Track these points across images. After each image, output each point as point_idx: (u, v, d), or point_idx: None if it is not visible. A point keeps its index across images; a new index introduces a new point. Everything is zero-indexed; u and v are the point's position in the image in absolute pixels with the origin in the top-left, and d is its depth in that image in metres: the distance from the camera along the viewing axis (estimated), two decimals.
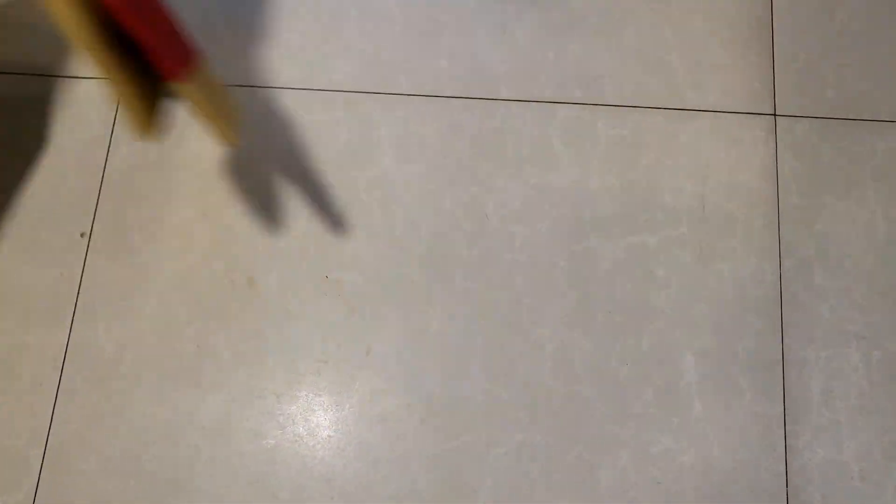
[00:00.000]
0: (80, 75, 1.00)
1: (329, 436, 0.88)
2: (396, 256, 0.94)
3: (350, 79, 1.00)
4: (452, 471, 0.87)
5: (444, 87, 1.00)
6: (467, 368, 0.91)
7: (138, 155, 0.97)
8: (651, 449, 0.88)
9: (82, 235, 0.94)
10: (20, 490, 0.86)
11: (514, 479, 0.87)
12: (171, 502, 0.86)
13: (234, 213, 0.95)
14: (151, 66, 0.64)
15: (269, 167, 0.97)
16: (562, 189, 0.97)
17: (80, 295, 0.92)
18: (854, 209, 0.97)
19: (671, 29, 1.03)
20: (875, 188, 0.98)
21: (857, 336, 0.93)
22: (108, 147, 0.97)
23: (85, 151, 0.97)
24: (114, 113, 0.98)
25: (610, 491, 0.87)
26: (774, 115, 1.00)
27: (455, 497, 0.86)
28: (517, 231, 0.95)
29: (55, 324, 0.91)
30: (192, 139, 0.97)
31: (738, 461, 0.88)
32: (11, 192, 0.94)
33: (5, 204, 0.94)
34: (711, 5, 1.04)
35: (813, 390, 0.91)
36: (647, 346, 0.92)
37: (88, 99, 0.99)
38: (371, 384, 0.90)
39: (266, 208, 0.95)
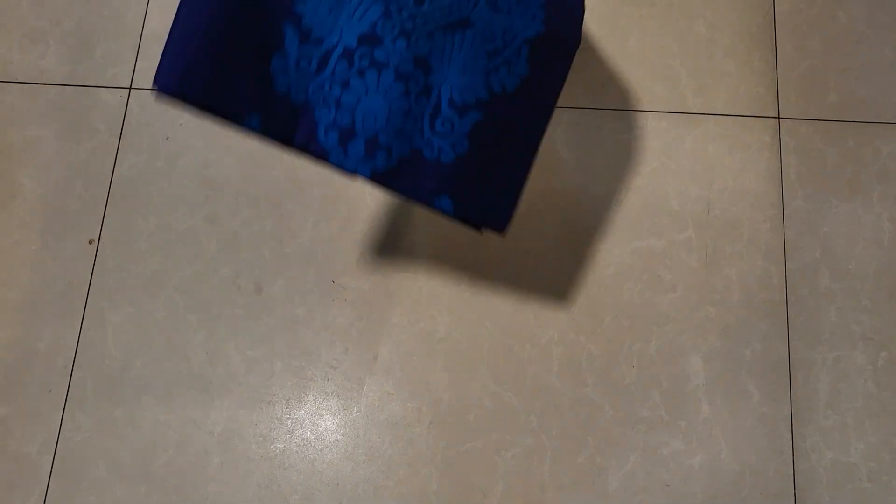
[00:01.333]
0: (87, 84, 1.00)
1: (337, 440, 0.89)
2: (402, 261, 0.94)
3: None
4: (462, 474, 0.87)
5: None
6: (475, 372, 0.91)
7: (145, 163, 0.98)
8: (659, 451, 0.89)
9: (91, 243, 0.95)
10: (30, 496, 0.86)
11: (524, 482, 0.87)
12: None
13: (240, 220, 0.96)
14: None
15: (276, 173, 0.97)
16: (567, 194, 0.97)
17: (88, 302, 0.92)
18: (859, 211, 0.97)
19: (674, 35, 1.04)
20: (880, 190, 0.98)
21: (864, 338, 0.93)
22: (116, 155, 0.98)
23: (92, 160, 0.98)
24: (121, 121, 0.99)
25: (619, 493, 0.87)
26: (778, 118, 1.00)
27: (465, 501, 0.87)
28: (523, 236, 0.95)
29: (64, 331, 0.91)
30: (199, 146, 0.98)
31: (745, 463, 0.88)
32: None
33: None
34: (714, 12, 1.05)
35: (820, 392, 0.91)
36: (655, 349, 0.92)
37: (96, 108, 1.00)
38: (379, 389, 0.90)
39: (273, 214, 0.96)
